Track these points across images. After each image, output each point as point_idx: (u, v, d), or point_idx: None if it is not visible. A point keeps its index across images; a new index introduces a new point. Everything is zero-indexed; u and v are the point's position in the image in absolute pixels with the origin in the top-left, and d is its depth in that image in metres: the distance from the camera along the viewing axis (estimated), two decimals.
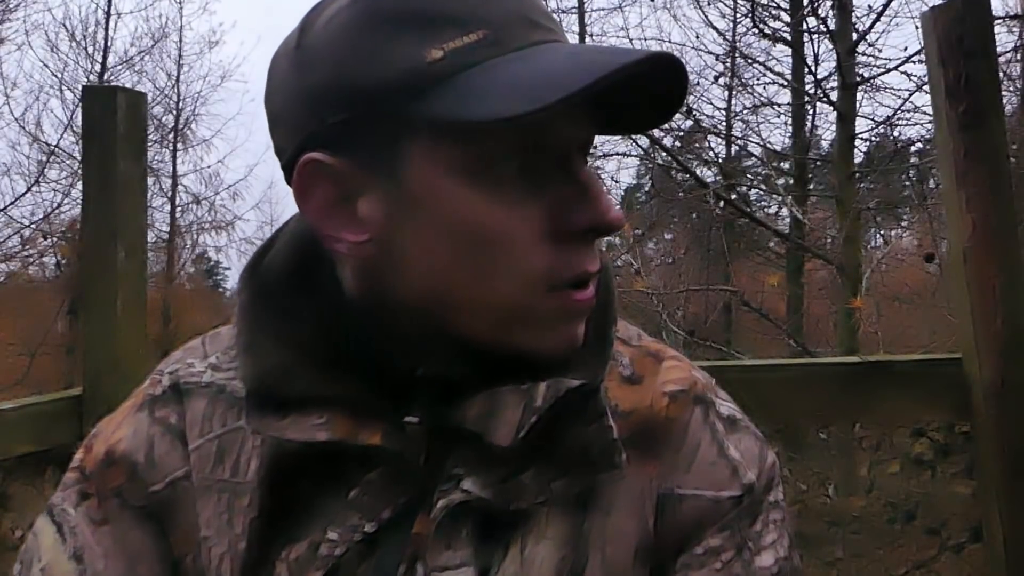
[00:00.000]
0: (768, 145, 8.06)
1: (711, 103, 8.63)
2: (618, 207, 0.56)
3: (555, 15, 0.57)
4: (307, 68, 0.54)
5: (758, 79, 7.92)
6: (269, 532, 0.57)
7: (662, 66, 0.51)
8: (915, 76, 5.91)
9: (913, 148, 7.07)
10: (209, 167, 13.04)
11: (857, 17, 6.16)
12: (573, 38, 9.58)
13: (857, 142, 6.71)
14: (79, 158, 8.60)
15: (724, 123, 8.72)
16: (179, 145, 12.57)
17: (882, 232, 10.23)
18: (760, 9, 6.87)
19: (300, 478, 0.57)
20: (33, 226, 9.95)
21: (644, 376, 0.63)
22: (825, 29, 6.38)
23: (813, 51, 7.21)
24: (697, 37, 10.17)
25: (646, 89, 0.54)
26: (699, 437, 0.61)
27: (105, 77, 11.43)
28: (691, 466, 0.60)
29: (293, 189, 0.56)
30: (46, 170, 10.05)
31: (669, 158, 6.51)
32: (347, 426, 0.55)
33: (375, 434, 0.55)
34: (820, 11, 6.40)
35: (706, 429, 0.62)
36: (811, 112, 7.89)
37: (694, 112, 7.52)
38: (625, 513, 0.58)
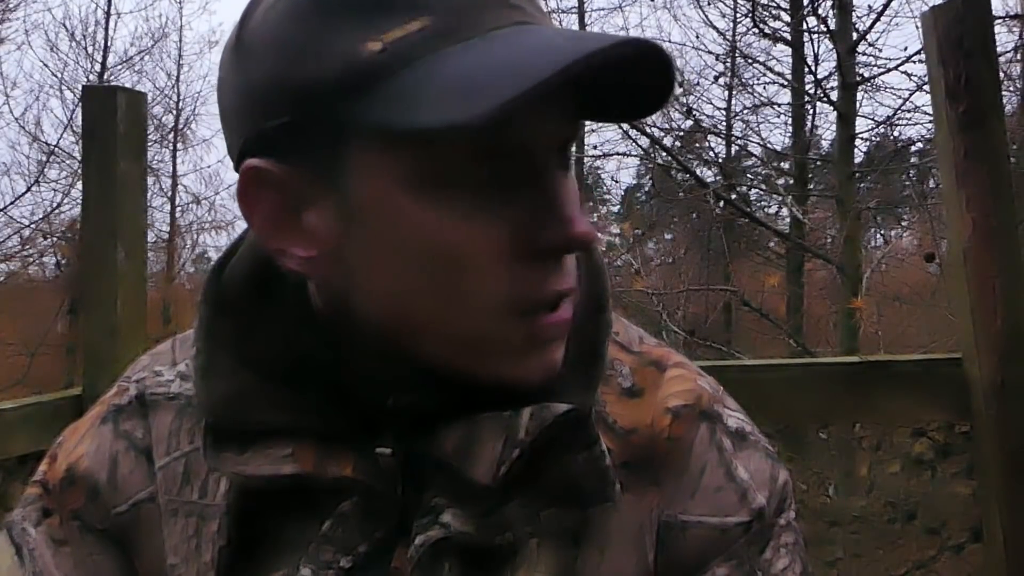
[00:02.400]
0: (768, 145, 8.08)
1: (711, 103, 8.63)
2: (591, 219, 0.50)
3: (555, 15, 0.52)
4: (246, 64, 0.49)
5: (758, 79, 7.94)
6: (239, 563, 0.53)
7: (641, 53, 0.44)
8: (915, 76, 5.93)
9: (913, 148, 7.09)
10: (209, 167, 13.02)
11: (857, 17, 6.17)
12: None
13: (857, 142, 6.72)
14: (79, 158, 8.60)
15: (724, 123, 8.73)
16: (179, 145, 12.59)
17: (882, 232, 10.24)
18: (760, 9, 6.87)
19: (270, 506, 0.53)
20: (33, 226, 9.96)
21: (645, 388, 0.58)
22: (825, 29, 6.39)
23: (813, 51, 7.23)
24: (697, 37, 10.19)
25: (630, 77, 0.46)
26: (704, 459, 0.56)
27: (105, 77, 11.42)
28: (696, 492, 0.55)
29: (237, 198, 0.51)
30: (46, 170, 10.05)
31: (669, 158, 6.51)
32: (314, 458, 0.51)
33: (345, 466, 0.51)
34: (820, 11, 6.41)
35: (712, 449, 0.56)
36: (811, 112, 7.91)
37: (694, 112, 7.53)
38: (622, 549, 0.53)
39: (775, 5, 6.93)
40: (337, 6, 0.46)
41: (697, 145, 9.27)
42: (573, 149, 0.53)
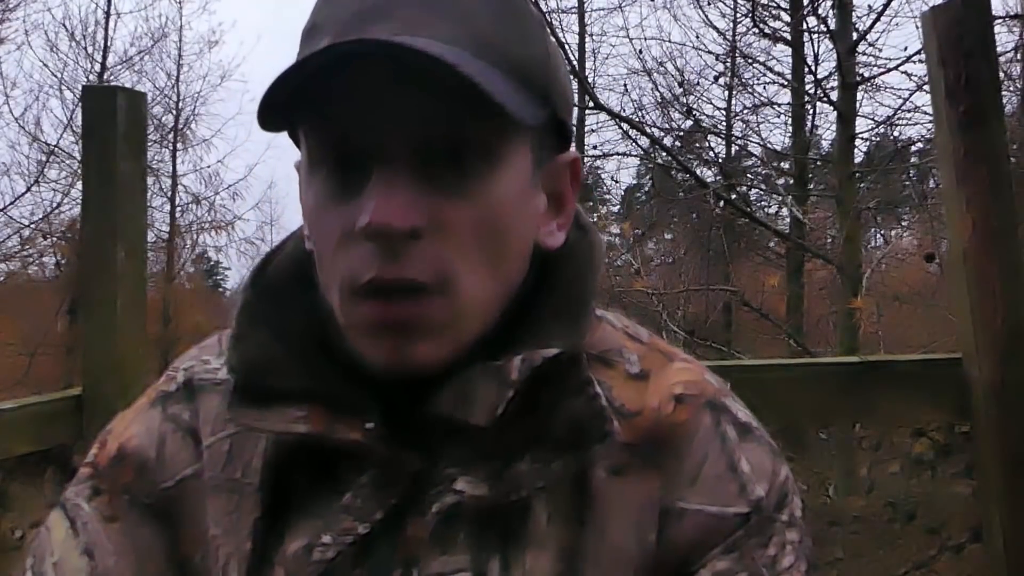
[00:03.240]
0: (768, 145, 8.08)
1: (711, 103, 8.62)
2: (406, 211, 0.51)
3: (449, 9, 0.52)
4: None
5: (758, 79, 7.95)
6: (269, 533, 0.57)
7: (367, 52, 0.49)
8: (915, 76, 5.93)
9: (913, 148, 7.09)
10: (209, 167, 12.99)
11: (857, 17, 6.17)
12: (573, 38, 9.60)
13: (857, 142, 6.73)
14: (79, 158, 8.60)
15: (724, 123, 8.73)
16: (179, 145, 12.59)
17: (882, 232, 10.25)
18: (760, 9, 6.88)
19: (297, 479, 0.58)
20: (33, 226, 9.97)
21: (651, 372, 0.61)
22: (825, 29, 6.40)
23: (813, 51, 7.24)
24: (697, 37, 10.16)
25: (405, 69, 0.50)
26: (707, 448, 0.58)
27: (105, 77, 11.43)
28: (696, 479, 0.57)
29: None
30: (46, 170, 10.06)
31: (669, 158, 6.52)
32: (325, 422, 0.55)
33: (354, 431, 0.55)
34: (820, 11, 6.41)
35: (716, 438, 0.58)
36: (811, 112, 7.91)
37: (694, 112, 7.53)
38: (625, 528, 0.56)
39: (775, 5, 6.93)
40: (305, 29, 0.57)
41: (697, 145, 9.27)
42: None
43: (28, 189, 9.90)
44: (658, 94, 7.82)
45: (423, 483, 0.55)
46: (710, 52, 7.76)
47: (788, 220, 7.60)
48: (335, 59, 0.49)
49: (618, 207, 13.56)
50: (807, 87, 7.44)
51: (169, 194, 12.45)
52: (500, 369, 0.54)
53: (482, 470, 0.54)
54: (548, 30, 0.59)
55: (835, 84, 6.54)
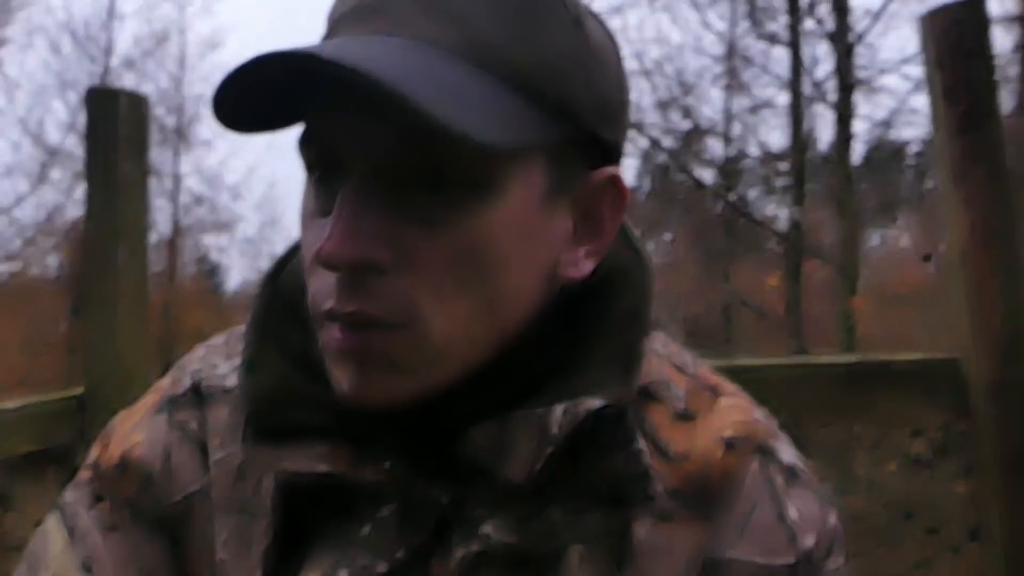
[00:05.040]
0: (766, 147, 8.08)
1: (710, 105, 8.62)
2: (363, 243, 0.46)
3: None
4: None
5: (756, 80, 7.94)
6: (282, 563, 0.54)
7: (310, 64, 0.43)
8: (913, 78, 5.94)
9: (911, 149, 7.09)
10: (211, 168, 13.01)
11: (855, 19, 6.17)
12: None
13: (855, 143, 6.73)
14: (82, 159, 8.60)
15: (722, 124, 8.73)
16: (181, 146, 12.59)
17: (880, 232, 10.25)
18: (758, 11, 6.88)
19: (314, 507, 0.53)
20: (36, 227, 9.97)
21: (699, 412, 0.57)
22: (823, 31, 6.40)
23: (811, 53, 7.23)
24: (696, 39, 10.15)
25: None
26: (756, 496, 0.55)
27: (107, 79, 11.44)
28: (744, 529, 0.54)
29: None
30: (49, 171, 10.07)
31: (668, 159, 6.52)
32: (349, 459, 0.51)
33: (378, 470, 0.51)
34: (818, 13, 6.42)
35: (764, 486, 0.55)
36: (809, 113, 7.91)
37: (692, 113, 7.54)
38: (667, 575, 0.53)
39: (773, 8, 6.94)
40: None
41: (696, 146, 9.27)
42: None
43: (31, 190, 9.91)
44: (657, 95, 7.83)
45: (448, 522, 0.51)
46: (709, 54, 7.77)
47: (786, 220, 7.60)
48: (279, 72, 0.45)
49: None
50: (805, 89, 7.45)
51: (171, 195, 12.46)
52: (541, 419, 0.50)
53: (511, 514, 0.51)
54: (585, 29, 0.51)
55: (834, 86, 6.55)
